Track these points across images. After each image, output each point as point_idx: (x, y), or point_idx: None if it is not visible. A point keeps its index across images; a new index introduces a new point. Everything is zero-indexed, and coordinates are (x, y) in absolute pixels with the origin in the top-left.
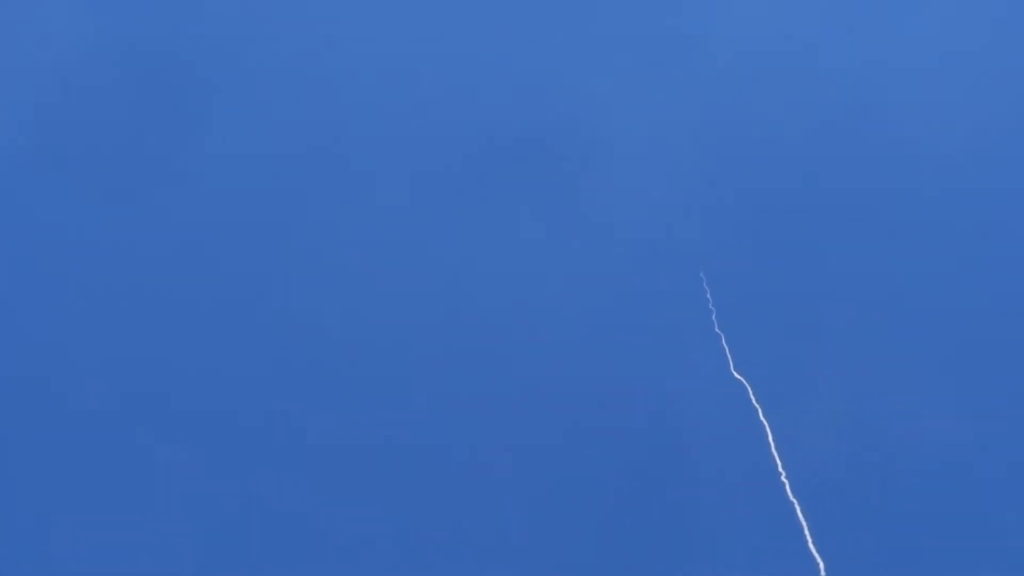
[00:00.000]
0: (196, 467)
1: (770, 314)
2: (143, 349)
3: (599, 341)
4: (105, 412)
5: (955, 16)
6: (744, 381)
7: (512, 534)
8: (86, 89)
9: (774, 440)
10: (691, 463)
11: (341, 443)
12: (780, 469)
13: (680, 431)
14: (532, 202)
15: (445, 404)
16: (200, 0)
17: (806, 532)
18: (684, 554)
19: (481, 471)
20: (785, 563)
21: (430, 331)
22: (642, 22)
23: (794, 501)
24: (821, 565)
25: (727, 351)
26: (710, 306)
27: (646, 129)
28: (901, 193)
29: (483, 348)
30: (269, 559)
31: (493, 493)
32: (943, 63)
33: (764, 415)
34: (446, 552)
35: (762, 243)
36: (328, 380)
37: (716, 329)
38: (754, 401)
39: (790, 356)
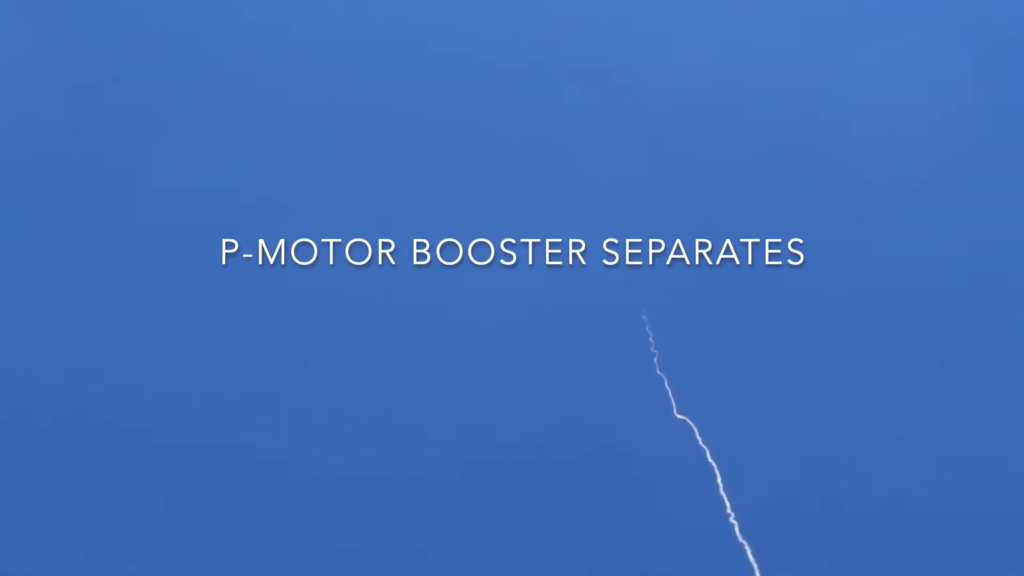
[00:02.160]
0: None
1: (713, 353)
2: (104, 363)
3: (538, 383)
4: (61, 429)
5: (918, 39)
6: (690, 422)
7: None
8: (30, 98)
9: (722, 481)
10: (637, 508)
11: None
12: (729, 510)
13: (624, 476)
14: (477, 228)
15: (377, 438)
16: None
17: (756, 573)
18: None
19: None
20: None
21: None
22: (606, 41)
23: (744, 543)
24: None
25: (670, 393)
26: (652, 348)
27: (595, 165)
28: (853, 225)
29: (414, 384)
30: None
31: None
32: (904, 90)
33: (712, 456)
34: None
35: (707, 281)
36: (282, 393)
37: (658, 371)
38: (701, 442)
39: (734, 396)
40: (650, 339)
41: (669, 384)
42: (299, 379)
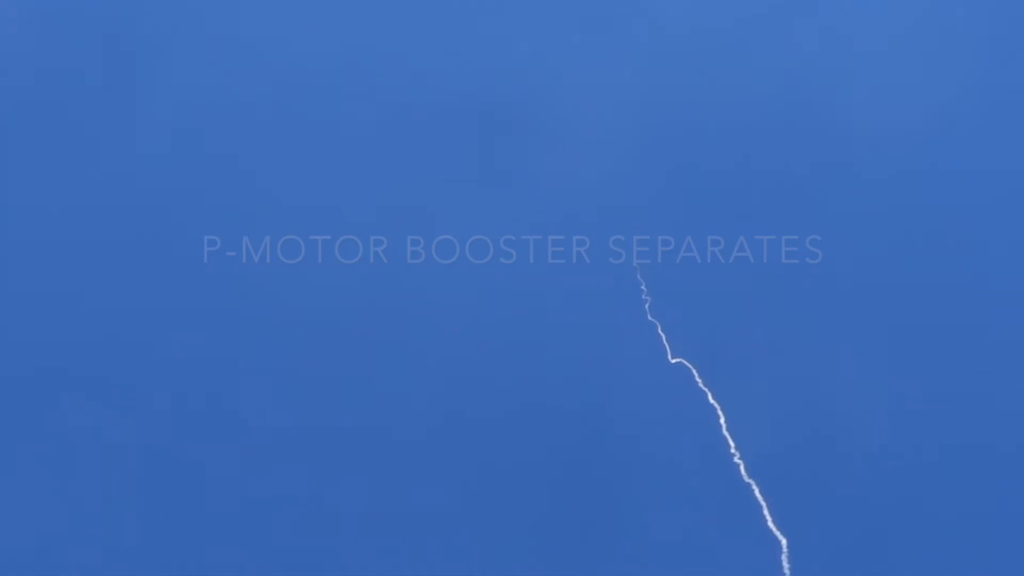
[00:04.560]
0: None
1: (706, 297)
2: (86, 320)
3: (536, 335)
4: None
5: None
6: (689, 365)
7: (457, 529)
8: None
9: (726, 422)
10: (638, 454)
11: (276, 425)
12: (733, 450)
13: (623, 423)
14: (474, 179)
15: (372, 387)
16: None
17: (765, 512)
18: (643, 541)
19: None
20: (746, 543)
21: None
22: (618, 29)
23: (751, 482)
24: (784, 543)
25: (664, 339)
26: (644, 296)
27: (592, 108)
28: (845, 175)
29: (411, 333)
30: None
31: (428, 485)
32: (900, 39)
33: (713, 398)
34: (384, 540)
35: (701, 224)
36: (269, 353)
37: (649, 318)
38: (701, 385)
39: (729, 337)
40: (642, 287)
41: (663, 330)
42: (289, 380)
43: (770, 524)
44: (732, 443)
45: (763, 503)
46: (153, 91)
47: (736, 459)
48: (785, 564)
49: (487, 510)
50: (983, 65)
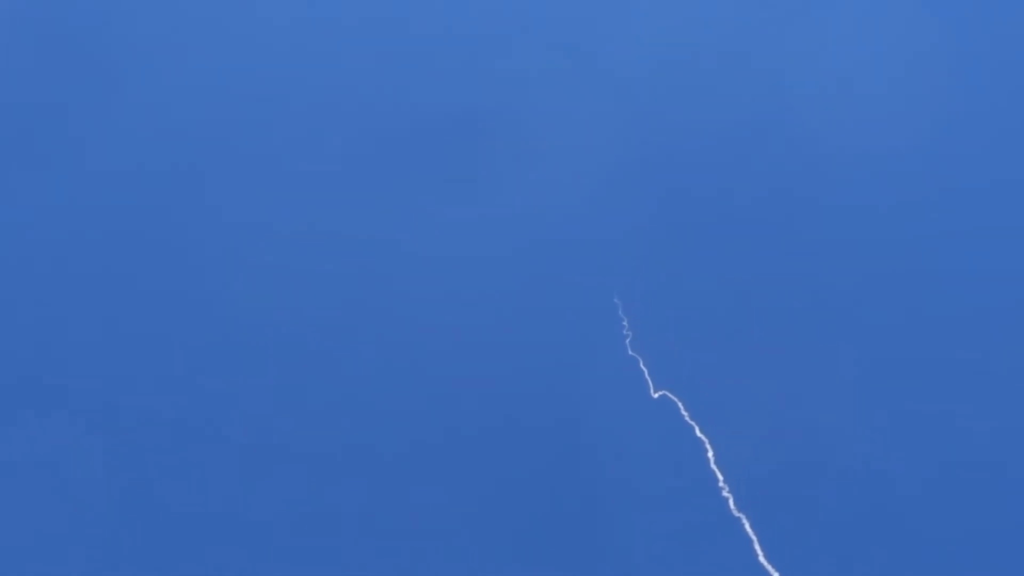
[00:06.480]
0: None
1: (687, 328)
2: (57, 323)
3: (517, 368)
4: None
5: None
6: (674, 398)
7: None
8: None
9: (714, 455)
10: (625, 491)
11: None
12: (721, 484)
13: (609, 460)
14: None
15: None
16: None
17: (756, 546)
18: None
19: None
20: None
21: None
22: (575, 14)
23: (740, 516)
24: None
25: (645, 373)
26: (625, 331)
27: (570, 134)
28: (823, 201)
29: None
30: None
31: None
32: (868, 65)
33: (700, 432)
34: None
35: (679, 253)
36: (256, 361)
37: (630, 352)
38: (688, 418)
39: (712, 371)
40: (623, 322)
41: (644, 364)
42: (273, 394)
43: (761, 559)
44: (721, 477)
45: (754, 537)
46: (139, 102)
47: (725, 493)
48: None
49: (474, 554)
50: (974, 79)
